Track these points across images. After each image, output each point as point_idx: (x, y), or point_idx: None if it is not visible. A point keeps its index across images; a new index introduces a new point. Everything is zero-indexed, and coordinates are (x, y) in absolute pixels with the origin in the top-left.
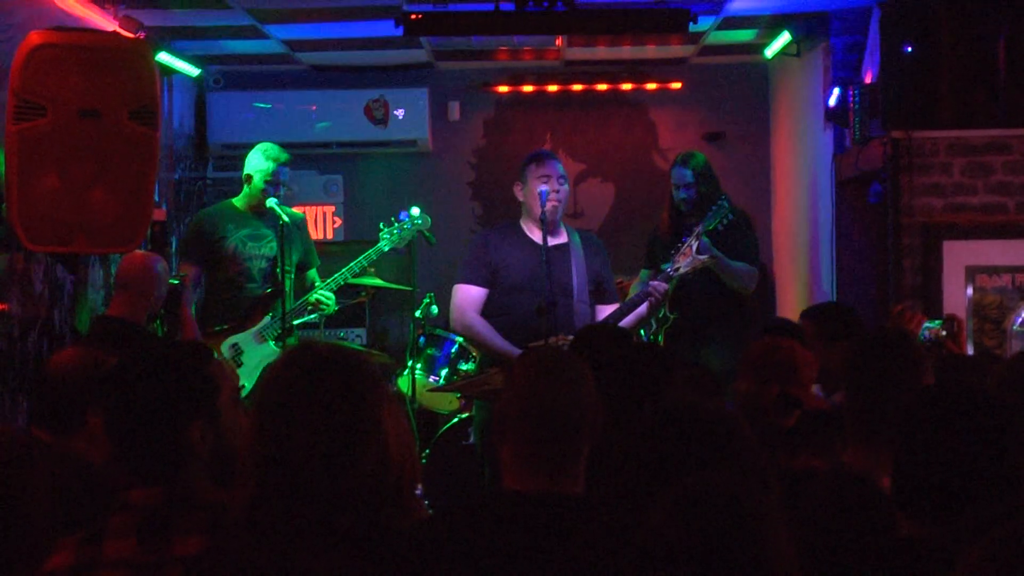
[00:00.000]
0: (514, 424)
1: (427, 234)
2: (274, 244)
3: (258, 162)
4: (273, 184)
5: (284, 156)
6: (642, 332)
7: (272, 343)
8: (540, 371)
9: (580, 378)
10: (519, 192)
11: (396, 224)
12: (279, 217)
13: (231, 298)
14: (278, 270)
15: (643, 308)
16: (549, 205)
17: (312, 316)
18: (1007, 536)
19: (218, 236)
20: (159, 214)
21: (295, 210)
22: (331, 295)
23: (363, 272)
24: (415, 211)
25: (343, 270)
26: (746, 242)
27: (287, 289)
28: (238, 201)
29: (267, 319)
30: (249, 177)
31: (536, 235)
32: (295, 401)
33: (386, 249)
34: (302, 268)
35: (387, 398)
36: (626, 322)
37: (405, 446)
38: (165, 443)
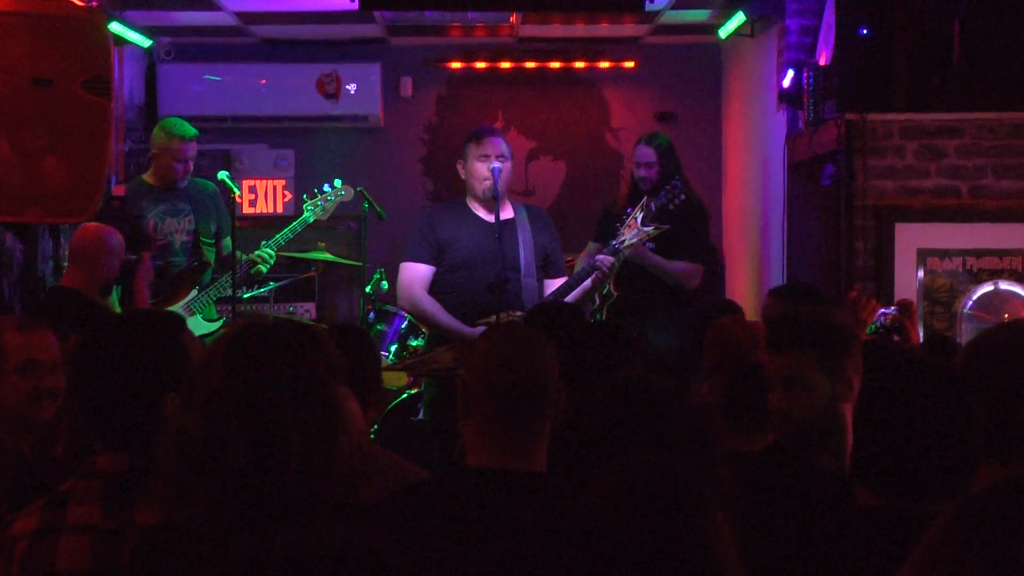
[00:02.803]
0: (478, 400)
1: (378, 208)
2: (193, 218)
3: (164, 139)
4: (181, 160)
5: (190, 132)
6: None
7: (200, 317)
8: (506, 347)
9: (545, 355)
10: (461, 170)
11: (319, 195)
12: (200, 189)
13: (157, 273)
14: (203, 239)
15: (588, 283)
16: (485, 183)
17: (261, 290)
18: (968, 506)
19: (136, 214)
20: (118, 190)
21: (207, 180)
22: (272, 252)
23: (290, 245)
24: (337, 183)
25: (277, 235)
26: (694, 236)
27: (210, 261)
28: (148, 178)
29: (194, 292)
30: (156, 155)
31: (482, 212)
32: (252, 377)
33: (311, 220)
34: (219, 237)
35: (343, 373)
36: (570, 297)
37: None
38: (139, 413)
